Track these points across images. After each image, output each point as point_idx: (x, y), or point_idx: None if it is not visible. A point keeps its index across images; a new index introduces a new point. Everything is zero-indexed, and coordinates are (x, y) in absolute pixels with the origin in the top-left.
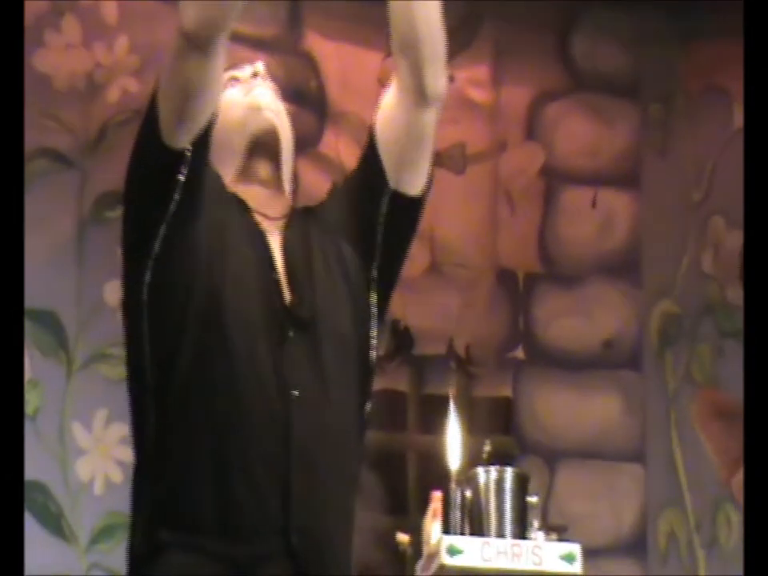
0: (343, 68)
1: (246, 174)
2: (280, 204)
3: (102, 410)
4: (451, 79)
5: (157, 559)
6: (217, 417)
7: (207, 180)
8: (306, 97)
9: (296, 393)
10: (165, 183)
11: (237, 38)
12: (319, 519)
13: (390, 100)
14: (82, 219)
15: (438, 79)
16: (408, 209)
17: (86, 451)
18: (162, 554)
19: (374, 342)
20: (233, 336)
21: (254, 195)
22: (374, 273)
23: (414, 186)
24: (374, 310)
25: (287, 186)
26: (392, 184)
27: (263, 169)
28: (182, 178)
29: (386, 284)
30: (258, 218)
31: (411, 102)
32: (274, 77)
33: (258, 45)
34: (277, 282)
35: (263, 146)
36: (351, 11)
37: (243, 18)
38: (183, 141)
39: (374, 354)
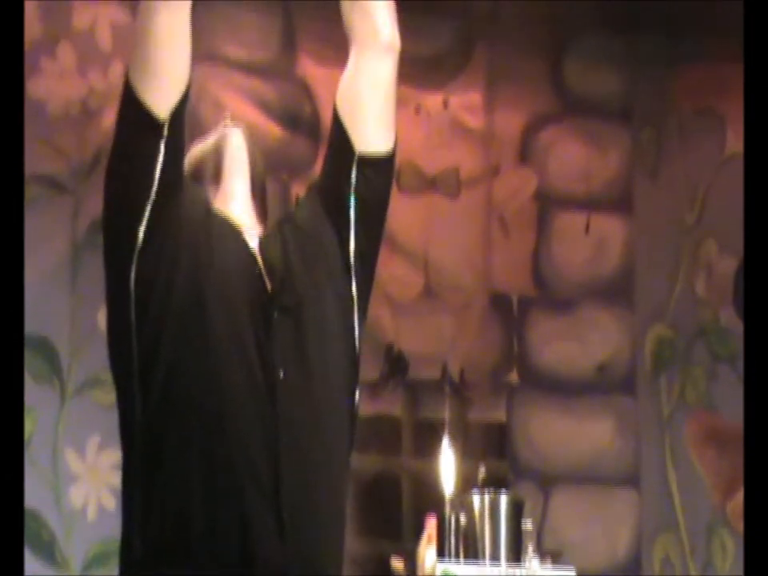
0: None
1: (223, 194)
2: (257, 219)
3: (95, 436)
4: (445, 104)
5: (150, 563)
6: (203, 401)
7: (187, 185)
8: (300, 122)
9: (281, 374)
10: (146, 156)
11: (231, 64)
12: (309, 497)
13: (348, 68)
14: (76, 245)
15: (389, 24)
16: (376, 172)
17: (79, 477)
18: (153, 558)
19: (357, 332)
20: (216, 323)
21: (232, 211)
22: (352, 260)
23: (378, 141)
24: (356, 300)
25: (263, 203)
26: (357, 147)
27: (239, 188)
28: (162, 148)
29: (365, 271)
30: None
31: (368, 52)
32: (268, 102)
33: (252, 70)
34: (259, 274)
35: (237, 168)
36: (345, 37)
37: (237, 43)
38: (160, 104)
39: (358, 343)
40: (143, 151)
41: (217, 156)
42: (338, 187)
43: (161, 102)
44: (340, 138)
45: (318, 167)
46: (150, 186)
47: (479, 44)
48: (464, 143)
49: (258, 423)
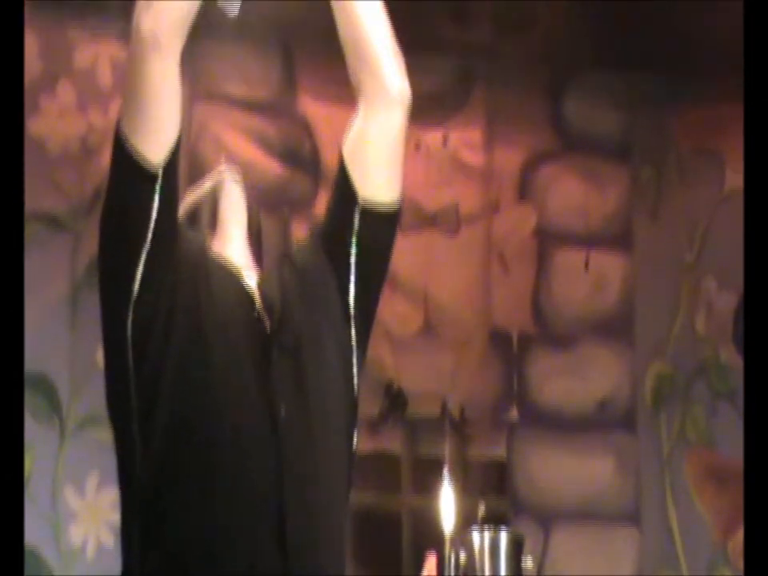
0: (337, 130)
1: (220, 238)
2: (253, 262)
3: (94, 473)
4: (444, 142)
5: None
6: (206, 440)
7: (183, 230)
8: (301, 159)
9: (282, 411)
10: (142, 205)
11: (232, 101)
12: (312, 530)
13: (357, 117)
14: (76, 283)
15: (399, 77)
16: (380, 219)
17: (78, 515)
18: None
19: (355, 375)
20: (217, 364)
21: (229, 254)
22: (352, 309)
23: (383, 192)
24: (355, 344)
25: (258, 247)
26: (361, 195)
27: (236, 232)
28: (157, 197)
29: (364, 318)
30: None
31: (377, 106)
32: (268, 139)
33: (253, 108)
34: (258, 315)
35: (233, 212)
36: (344, 75)
37: (238, 80)
38: (154, 154)
39: (356, 386)
40: (138, 200)
41: (214, 201)
42: (340, 233)
43: (155, 151)
44: (344, 185)
45: (318, 204)
46: (146, 234)
47: (479, 82)
48: (464, 180)
49: (261, 459)
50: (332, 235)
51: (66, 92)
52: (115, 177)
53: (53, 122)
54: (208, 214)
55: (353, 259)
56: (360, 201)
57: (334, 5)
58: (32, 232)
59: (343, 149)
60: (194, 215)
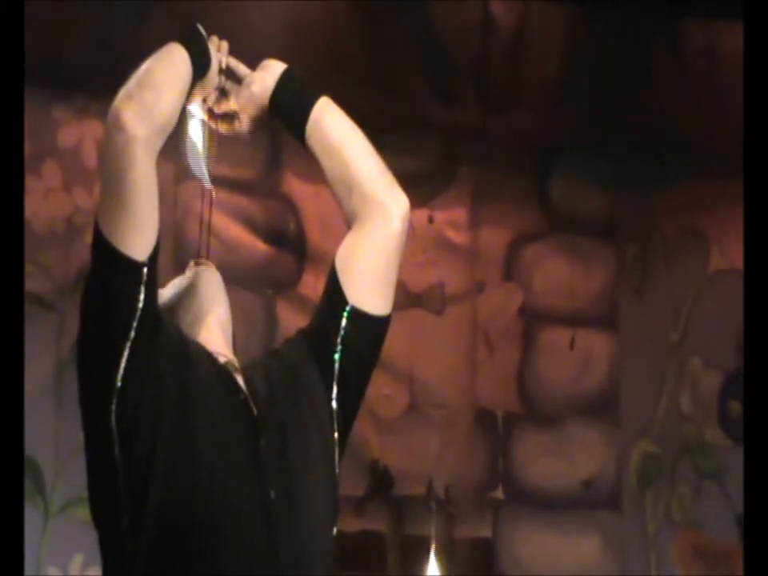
0: (322, 210)
1: (199, 325)
2: (232, 352)
3: (79, 554)
4: (430, 221)
5: None
6: (198, 529)
7: (164, 320)
8: (285, 238)
9: (273, 495)
10: (126, 299)
11: (216, 180)
12: None
13: (351, 232)
14: (61, 362)
15: (391, 191)
16: (367, 328)
17: None
18: None
19: (336, 461)
20: (206, 450)
21: (208, 341)
22: (334, 405)
23: (374, 304)
24: (336, 436)
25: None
26: (351, 301)
27: (214, 324)
28: (143, 289)
29: (346, 415)
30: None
31: (372, 222)
32: (253, 219)
33: (238, 187)
34: (244, 401)
35: (211, 304)
36: None
37: (223, 161)
38: (140, 251)
39: (337, 472)
40: (123, 295)
41: (192, 292)
42: (326, 334)
43: (140, 248)
44: (334, 289)
45: (302, 283)
46: (131, 325)
47: (465, 161)
48: (449, 259)
49: (256, 547)
50: (319, 335)
51: (51, 172)
52: (98, 272)
53: (38, 202)
54: (187, 304)
55: (337, 362)
56: (348, 307)
57: (315, 148)
58: None
59: (337, 253)
60: (173, 306)
